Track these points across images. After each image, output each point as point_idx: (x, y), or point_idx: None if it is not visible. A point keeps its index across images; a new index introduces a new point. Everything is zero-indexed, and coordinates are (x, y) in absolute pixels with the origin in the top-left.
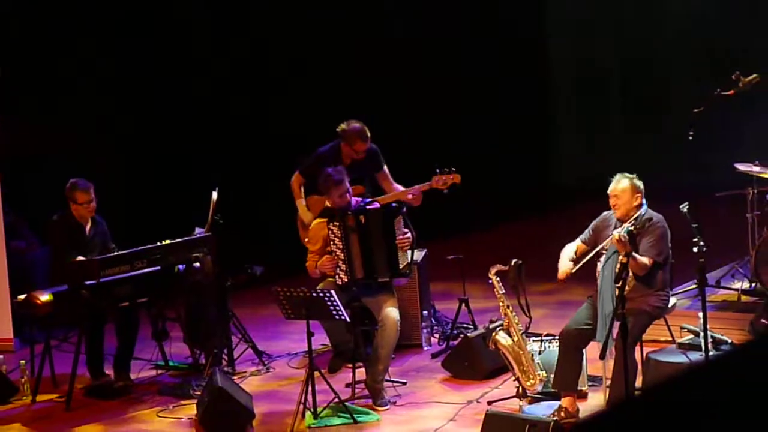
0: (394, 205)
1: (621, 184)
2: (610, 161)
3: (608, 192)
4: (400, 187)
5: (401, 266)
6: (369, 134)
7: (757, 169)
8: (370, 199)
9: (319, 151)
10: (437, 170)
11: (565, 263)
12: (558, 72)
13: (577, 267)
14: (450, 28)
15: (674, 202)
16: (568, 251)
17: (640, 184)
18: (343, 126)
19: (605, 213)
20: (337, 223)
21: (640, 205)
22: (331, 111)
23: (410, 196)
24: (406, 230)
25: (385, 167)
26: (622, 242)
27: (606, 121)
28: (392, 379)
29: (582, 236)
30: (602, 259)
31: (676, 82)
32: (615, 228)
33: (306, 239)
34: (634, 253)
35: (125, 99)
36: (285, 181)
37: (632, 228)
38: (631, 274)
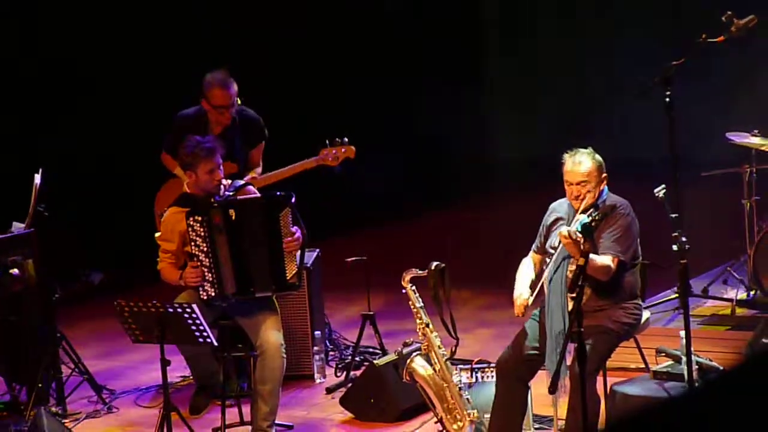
0: (279, 193)
1: (584, 165)
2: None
3: (566, 179)
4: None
5: (288, 276)
6: (235, 87)
7: (756, 140)
8: (242, 182)
9: (179, 114)
10: (327, 142)
11: (521, 290)
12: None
13: (536, 293)
14: None
15: (644, 183)
16: (526, 270)
17: (601, 159)
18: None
19: (554, 204)
20: (200, 218)
21: (602, 190)
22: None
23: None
24: (295, 228)
25: (262, 145)
26: (574, 242)
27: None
28: (275, 422)
29: (534, 244)
30: (550, 261)
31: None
32: (570, 220)
33: (157, 234)
34: (591, 255)
35: None
36: (127, 162)
37: (590, 220)
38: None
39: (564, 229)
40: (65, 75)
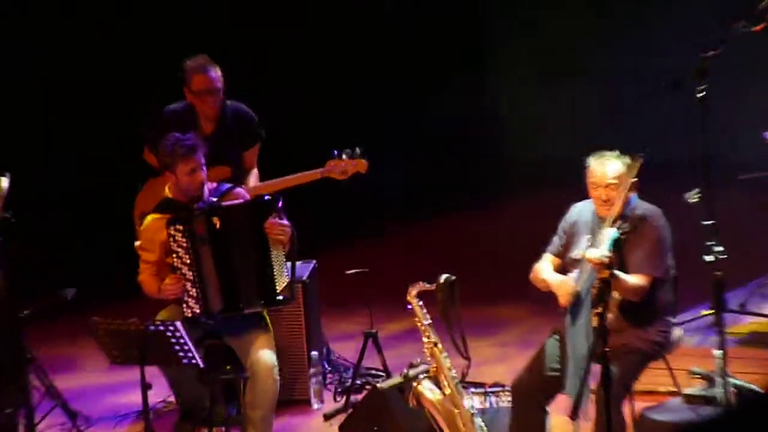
0: (266, 197)
1: (612, 166)
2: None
3: (593, 182)
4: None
5: (279, 288)
6: (218, 71)
7: None
8: (228, 185)
9: (166, 109)
10: (335, 152)
11: (561, 278)
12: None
13: (578, 279)
14: None
15: (674, 187)
16: (549, 268)
17: (630, 163)
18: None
19: (578, 207)
20: (182, 227)
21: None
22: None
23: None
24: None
25: (258, 146)
26: (603, 265)
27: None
28: None
29: (551, 247)
30: (573, 275)
31: None
32: (595, 230)
33: (137, 243)
34: (619, 273)
35: None
36: (105, 164)
37: (620, 234)
38: (615, 295)
39: (594, 254)
40: (60, 76)
